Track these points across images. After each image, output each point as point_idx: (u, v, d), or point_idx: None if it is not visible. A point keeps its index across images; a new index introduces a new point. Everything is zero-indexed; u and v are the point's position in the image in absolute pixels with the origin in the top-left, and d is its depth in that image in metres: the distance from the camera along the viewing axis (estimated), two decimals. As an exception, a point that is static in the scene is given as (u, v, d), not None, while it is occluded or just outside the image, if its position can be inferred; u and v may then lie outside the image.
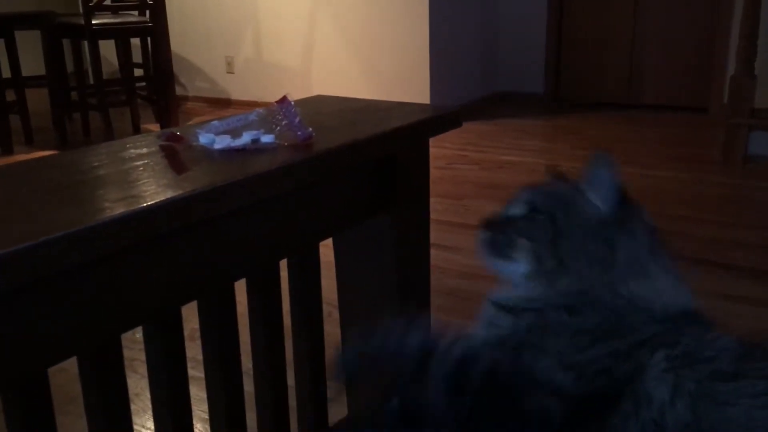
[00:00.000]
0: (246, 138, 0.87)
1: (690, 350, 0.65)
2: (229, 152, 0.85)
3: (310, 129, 0.91)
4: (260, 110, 0.93)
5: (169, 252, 0.77)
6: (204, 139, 0.88)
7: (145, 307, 0.77)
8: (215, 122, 0.92)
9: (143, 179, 0.77)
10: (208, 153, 0.86)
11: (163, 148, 0.87)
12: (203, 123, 1.06)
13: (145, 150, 0.89)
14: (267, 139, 0.86)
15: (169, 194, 0.72)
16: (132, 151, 0.89)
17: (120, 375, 0.77)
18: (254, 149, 0.86)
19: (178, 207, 0.71)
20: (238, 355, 0.93)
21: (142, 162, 0.84)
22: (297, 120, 0.90)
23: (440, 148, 1.04)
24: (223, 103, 5.95)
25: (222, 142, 0.86)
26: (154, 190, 0.73)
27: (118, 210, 0.67)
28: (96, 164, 0.84)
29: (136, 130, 4.87)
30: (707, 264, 2.61)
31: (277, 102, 0.95)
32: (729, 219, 3.13)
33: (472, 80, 5.53)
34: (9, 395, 0.68)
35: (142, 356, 0.84)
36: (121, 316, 0.73)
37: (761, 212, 3.23)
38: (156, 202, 0.69)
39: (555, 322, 0.72)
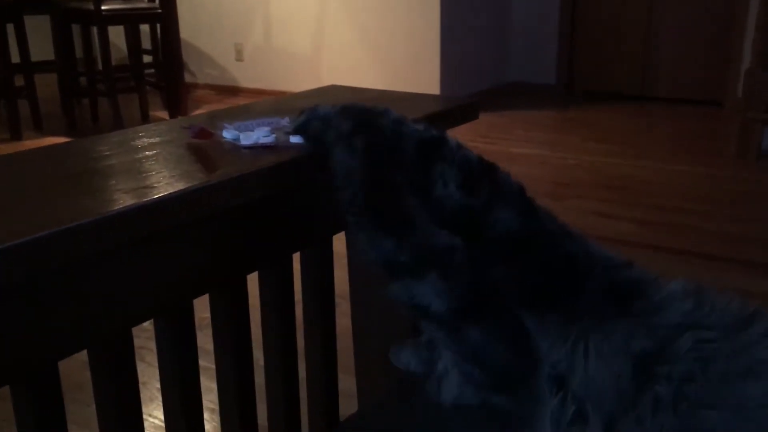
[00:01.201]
0: (274, 136, 0.85)
1: None
2: (255, 149, 0.83)
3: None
4: (292, 117, 0.91)
5: (182, 244, 0.75)
6: (228, 134, 0.86)
7: (157, 300, 0.75)
8: (242, 122, 0.90)
9: (156, 170, 0.75)
10: (233, 148, 0.84)
11: (191, 146, 0.84)
12: (226, 115, 1.04)
13: (158, 139, 0.87)
14: (296, 139, 0.84)
15: (182, 185, 0.70)
16: (145, 140, 0.87)
17: (131, 368, 0.76)
18: (282, 147, 0.84)
19: (191, 198, 0.69)
20: (250, 347, 0.92)
21: (154, 152, 0.82)
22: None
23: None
24: (232, 91, 5.94)
25: (248, 138, 0.84)
26: (167, 181, 0.71)
27: (131, 201, 0.65)
28: (108, 153, 0.82)
29: (145, 116, 4.86)
30: (721, 260, 2.59)
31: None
32: (743, 214, 3.10)
33: (483, 70, 5.49)
34: (18, 388, 0.66)
35: (150, 345, 0.83)
36: (132, 308, 0.72)
37: (775, 208, 3.19)
38: (169, 193, 0.67)
39: None
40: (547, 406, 0.63)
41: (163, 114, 4.91)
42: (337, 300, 1.08)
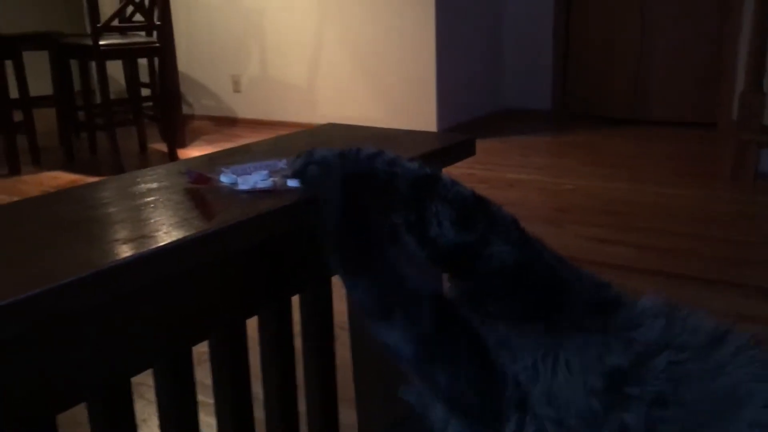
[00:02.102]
0: (272, 180, 0.86)
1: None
2: (253, 193, 0.83)
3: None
4: (289, 159, 0.91)
5: (181, 291, 0.75)
6: (226, 179, 0.86)
7: (156, 349, 0.75)
8: (239, 166, 0.90)
9: (154, 217, 0.75)
10: (231, 193, 0.84)
11: (189, 191, 0.85)
12: (224, 156, 1.05)
13: (156, 185, 0.88)
14: (293, 183, 0.85)
15: (180, 234, 0.70)
16: (142, 185, 0.88)
17: (130, 418, 0.75)
18: (280, 191, 0.84)
19: (190, 247, 0.70)
20: (249, 382, 0.91)
21: (152, 198, 0.83)
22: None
23: (447, 168, 1.04)
24: (229, 122, 5.97)
25: (246, 182, 0.85)
26: (165, 229, 0.71)
27: (129, 252, 0.65)
28: (106, 200, 0.83)
29: (143, 149, 4.88)
30: (718, 283, 2.59)
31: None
32: (740, 237, 3.11)
33: (479, 97, 5.53)
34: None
35: (150, 381, 0.82)
36: (131, 359, 0.72)
37: (773, 230, 3.20)
38: (166, 243, 0.68)
39: None
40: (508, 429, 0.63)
41: (161, 146, 4.93)
42: (337, 331, 1.08)
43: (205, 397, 0.91)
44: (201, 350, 0.88)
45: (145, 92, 5.05)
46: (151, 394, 0.85)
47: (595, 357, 0.62)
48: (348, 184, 0.76)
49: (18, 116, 4.44)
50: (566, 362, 0.63)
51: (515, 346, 0.66)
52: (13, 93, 4.39)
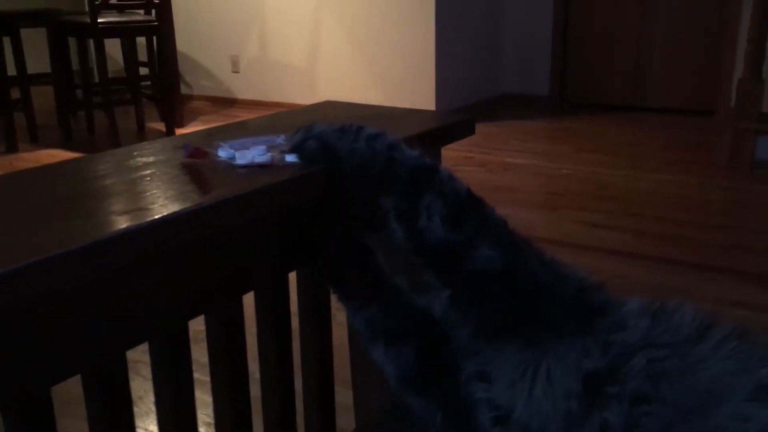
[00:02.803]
0: (270, 155, 0.85)
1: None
2: (251, 168, 0.83)
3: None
4: (288, 135, 0.91)
5: (177, 266, 0.75)
6: (223, 153, 0.86)
7: (152, 323, 0.75)
8: (237, 140, 0.90)
9: (150, 191, 0.75)
10: (228, 168, 0.84)
11: (186, 165, 0.85)
12: (222, 132, 1.04)
13: (152, 158, 0.88)
14: (291, 158, 0.84)
15: (176, 207, 0.70)
16: (139, 159, 0.88)
17: (125, 391, 0.75)
18: (278, 166, 0.84)
19: (187, 220, 0.70)
20: (245, 360, 0.92)
21: (148, 171, 0.82)
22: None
23: (446, 150, 1.04)
24: (227, 103, 5.95)
25: (244, 157, 0.84)
26: (161, 202, 0.71)
27: (124, 224, 0.65)
28: (102, 173, 0.83)
29: (141, 128, 4.87)
30: (714, 270, 2.60)
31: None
32: (736, 224, 3.11)
33: (477, 81, 5.51)
34: (10, 415, 0.66)
35: (146, 358, 0.82)
36: (126, 332, 0.72)
37: (769, 218, 3.20)
38: (163, 216, 0.68)
39: None
40: None
41: (160, 126, 4.92)
42: (334, 311, 1.08)
43: (202, 375, 0.91)
44: (197, 329, 0.88)
45: (143, 71, 5.03)
46: (147, 372, 0.85)
47: (573, 362, 0.63)
48: (346, 161, 0.77)
49: (15, 94, 4.42)
50: (547, 371, 0.63)
51: (492, 373, 0.67)
52: (11, 70, 4.37)
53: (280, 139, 0.91)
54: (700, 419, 0.56)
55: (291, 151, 0.84)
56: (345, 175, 0.78)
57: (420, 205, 0.71)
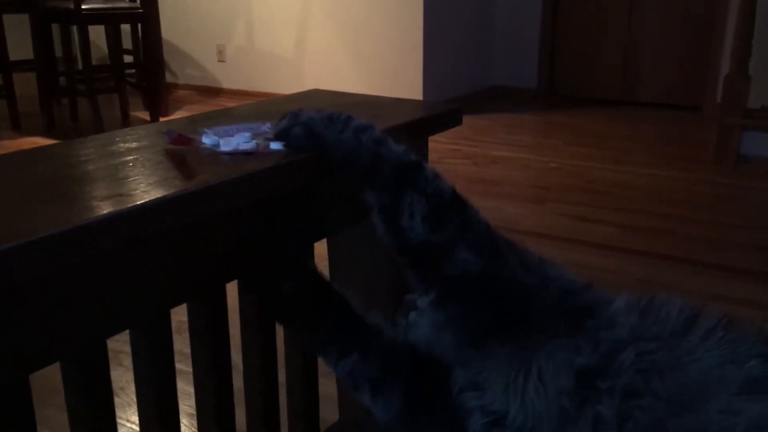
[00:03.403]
0: (255, 142, 0.84)
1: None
2: (235, 155, 0.82)
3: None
4: (273, 123, 0.90)
5: (159, 253, 0.74)
6: (208, 140, 0.85)
7: (133, 311, 0.74)
8: (222, 127, 0.88)
9: (132, 176, 0.74)
10: (212, 154, 0.82)
11: (169, 152, 0.83)
12: (206, 119, 1.03)
13: (135, 144, 0.86)
14: (276, 146, 0.83)
15: (159, 193, 0.69)
16: (122, 145, 0.86)
17: (105, 380, 0.74)
18: (263, 153, 0.82)
19: (169, 206, 0.68)
20: (228, 350, 0.91)
21: (131, 157, 0.81)
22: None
23: (432, 142, 1.03)
24: (213, 92, 5.90)
25: (228, 144, 0.83)
26: (143, 188, 0.70)
27: (105, 209, 0.64)
28: (83, 158, 0.81)
29: (125, 117, 4.82)
30: (699, 264, 2.61)
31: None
32: (722, 219, 3.13)
33: (465, 73, 5.50)
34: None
35: (128, 348, 0.81)
36: (107, 320, 0.70)
37: (754, 212, 3.23)
38: (145, 202, 0.66)
39: None
40: None
41: (144, 114, 4.87)
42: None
43: (184, 366, 0.90)
44: (180, 319, 0.87)
45: (128, 59, 4.98)
46: (129, 362, 0.84)
47: (565, 361, 0.62)
48: (333, 151, 0.76)
49: (-3, 80, 4.37)
50: (538, 371, 0.63)
51: (484, 381, 0.66)
52: (-7, 56, 4.31)
53: (266, 126, 0.89)
54: (690, 413, 0.56)
55: (276, 137, 0.83)
56: (333, 163, 0.77)
57: (403, 202, 0.70)
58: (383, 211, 0.71)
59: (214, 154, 0.82)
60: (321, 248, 1.07)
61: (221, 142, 0.84)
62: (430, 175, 0.72)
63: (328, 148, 0.77)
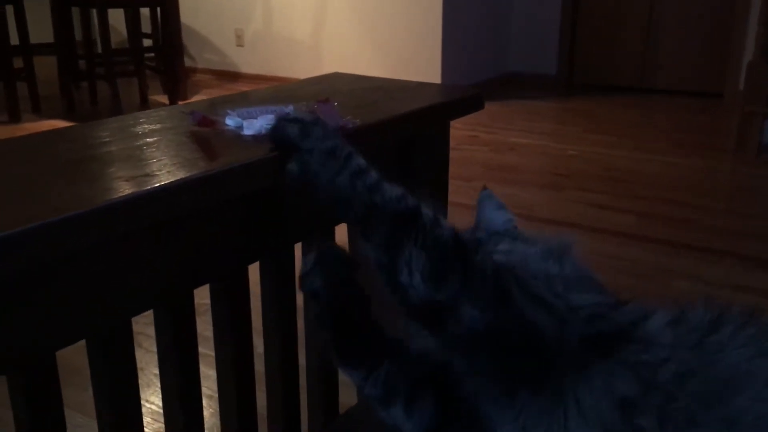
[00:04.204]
0: None
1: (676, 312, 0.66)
2: (258, 138, 0.81)
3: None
4: (297, 105, 0.89)
5: (183, 234, 0.74)
6: (231, 122, 0.84)
7: (157, 290, 0.74)
8: (246, 109, 0.88)
9: (156, 157, 0.74)
10: (236, 137, 0.82)
11: (193, 133, 0.83)
12: (225, 102, 1.03)
13: (158, 126, 0.86)
14: None
15: (183, 174, 0.69)
16: (145, 126, 0.86)
17: (130, 358, 0.75)
18: None
19: (193, 187, 0.69)
20: (250, 334, 0.91)
21: (155, 138, 0.81)
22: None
23: (450, 129, 1.02)
24: (231, 77, 5.91)
25: (251, 127, 0.82)
26: (168, 169, 0.70)
27: (130, 189, 0.64)
28: (107, 139, 0.81)
29: (144, 101, 4.84)
30: (718, 254, 2.59)
31: (318, 102, 0.91)
32: (742, 208, 3.10)
33: (484, 60, 5.47)
34: (15, 378, 0.66)
35: (148, 330, 0.82)
36: (132, 299, 0.71)
37: (775, 202, 3.19)
38: (170, 182, 0.67)
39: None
40: None
41: (163, 98, 4.89)
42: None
43: (205, 350, 0.90)
44: (202, 302, 0.87)
45: (147, 43, 4.99)
46: (149, 344, 0.84)
47: (602, 387, 0.60)
48: (322, 192, 0.70)
49: (18, 63, 4.39)
50: (576, 403, 0.61)
51: (526, 429, 0.64)
52: (14, 39, 4.34)
53: (289, 109, 0.89)
54: (721, 406, 0.56)
55: (271, 139, 0.77)
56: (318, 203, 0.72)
57: (401, 260, 0.65)
58: (381, 267, 0.67)
59: (238, 136, 0.82)
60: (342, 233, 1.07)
61: (245, 124, 0.84)
62: (427, 221, 0.67)
63: (317, 189, 0.70)
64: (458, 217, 0.74)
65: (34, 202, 0.62)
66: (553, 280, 0.69)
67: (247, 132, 0.83)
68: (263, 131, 0.82)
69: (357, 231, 0.69)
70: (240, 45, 5.82)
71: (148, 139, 0.81)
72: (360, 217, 0.68)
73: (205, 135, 0.83)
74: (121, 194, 0.63)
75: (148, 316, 0.81)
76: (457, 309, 0.64)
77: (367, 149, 0.70)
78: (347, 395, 1.18)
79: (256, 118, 0.85)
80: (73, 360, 0.92)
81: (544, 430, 0.63)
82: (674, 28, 5.16)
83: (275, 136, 0.74)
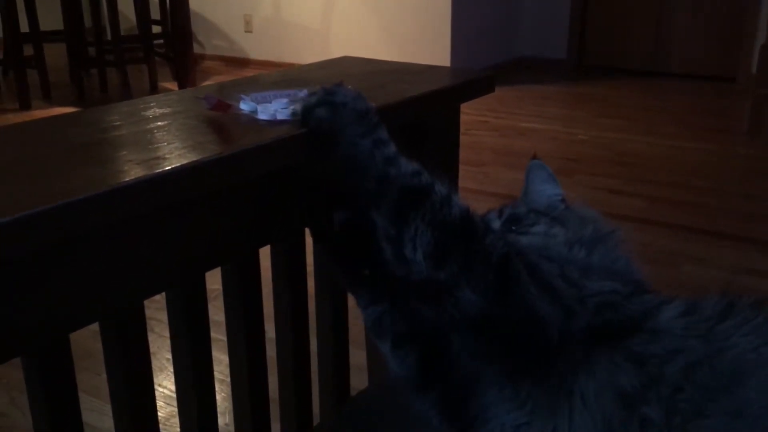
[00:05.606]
0: (292, 109, 0.82)
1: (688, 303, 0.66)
2: (272, 123, 0.81)
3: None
4: (310, 88, 0.88)
5: (195, 217, 0.74)
6: (245, 106, 0.84)
7: (169, 273, 0.74)
8: (260, 93, 0.87)
9: (168, 141, 0.74)
10: (251, 120, 0.82)
11: (206, 118, 0.83)
12: (234, 87, 1.03)
13: (169, 110, 0.86)
14: None
15: (194, 157, 0.69)
16: (156, 110, 0.86)
17: (143, 340, 0.75)
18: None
19: (205, 171, 0.69)
20: (261, 319, 0.91)
21: (165, 122, 0.81)
22: None
23: (463, 105, 1.02)
24: (240, 63, 5.90)
25: (266, 111, 0.82)
26: (179, 152, 0.70)
27: (141, 172, 0.64)
28: (118, 123, 0.81)
29: (154, 87, 4.84)
30: (731, 238, 2.58)
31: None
32: (754, 192, 3.08)
33: (493, 44, 5.44)
34: (30, 359, 0.66)
35: (159, 316, 0.83)
36: (144, 281, 0.71)
37: (788, 186, 3.16)
38: (181, 165, 0.67)
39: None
40: None
41: (172, 85, 4.89)
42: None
43: (216, 334, 0.91)
44: (213, 287, 0.88)
45: (156, 30, 4.99)
46: (161, 328, 0.85)
47: (607, 379, 0.61)
48: (343, 150, 0.71)
49: (28, 50, 4.40)
50: (581, 396, 0.61)
51: (530, 422, 0.64)
52: (24, 27, 4.34)
53: (303, 92, 0.89)
54: (727, 396, 0.57)
55: (301, 113, 0.78)
56: (333, 166, 0.72)
57: (406, 234, 0.66)
58: (388, 239, 0.68)
59: (252, 120, 0.82)
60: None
61: (259, 108, 0.83)
62: (437, 201, 0.67)
63: (338, 145, 0.71)
64: (467, 203, 0.73)
65: (46, 185, 0.62)
66: (570, 266, 0.69)
67: (261, 116, 0.82)
68: (278, 116, 0.82)
69: (368, 202, 0.69)
70: (249, 31, 5.80)
71: (158, 123, 0.81)
72: (371, 186, 0.68)
73: (216, 118, 0.83)
74: (131, 177, 0.63)
75: (160, 301, 0.81)
76: (455, 290, 0.64)
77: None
78: (358, 379, 1.18)
79: (270, 102, 0.85)
80: (87, 344, 0.93)
81: (548, 422, 0.63)
82: (686, 11, 5.11)
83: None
